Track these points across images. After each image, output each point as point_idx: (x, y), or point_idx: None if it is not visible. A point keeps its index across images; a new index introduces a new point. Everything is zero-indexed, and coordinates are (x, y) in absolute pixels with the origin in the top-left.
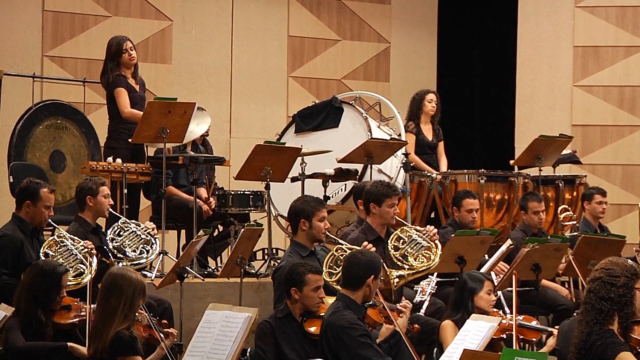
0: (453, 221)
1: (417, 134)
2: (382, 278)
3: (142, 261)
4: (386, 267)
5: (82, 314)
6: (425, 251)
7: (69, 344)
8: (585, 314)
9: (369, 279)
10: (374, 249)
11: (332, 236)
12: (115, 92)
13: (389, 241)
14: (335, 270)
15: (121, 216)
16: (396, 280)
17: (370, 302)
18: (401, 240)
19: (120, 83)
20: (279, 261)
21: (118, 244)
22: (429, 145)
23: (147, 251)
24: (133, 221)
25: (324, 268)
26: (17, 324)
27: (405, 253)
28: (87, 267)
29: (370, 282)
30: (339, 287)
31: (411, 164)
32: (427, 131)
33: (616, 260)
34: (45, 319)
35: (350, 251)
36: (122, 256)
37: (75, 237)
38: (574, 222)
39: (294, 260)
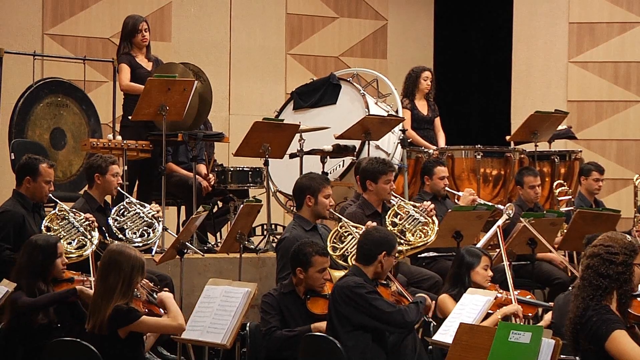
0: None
1: (411, 109)
2: (396, 256)
3: (140, 244)
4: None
5: (86, 286)
6: (423, 227)
7: (78, 287)
8: (582, 289)
9: (381, 255)
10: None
11: (336, 213)
12: (118, 67)
13: (386, 217)
14: (339, 245)
15: (129, 196)
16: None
17: (384, 282)
18: (398, 216)
19: (123, 59)
20: (282, 233)
21: (120, 224)
22: (424, 120)
23: (148, 234)
24: (138, 202)
25: (328, 243)
26: (22, 294)
27: (403, 229)
28: (89, 240)
29: (382, 258)
30: (341, 262)
31: (408, 140)
32: (422, 106)
33: (615, 235)
34: (47, 289)
35: (354, 228)
36: (123, 237)
37: (77, 211)
38: (570, 197)
39: (298, 233)
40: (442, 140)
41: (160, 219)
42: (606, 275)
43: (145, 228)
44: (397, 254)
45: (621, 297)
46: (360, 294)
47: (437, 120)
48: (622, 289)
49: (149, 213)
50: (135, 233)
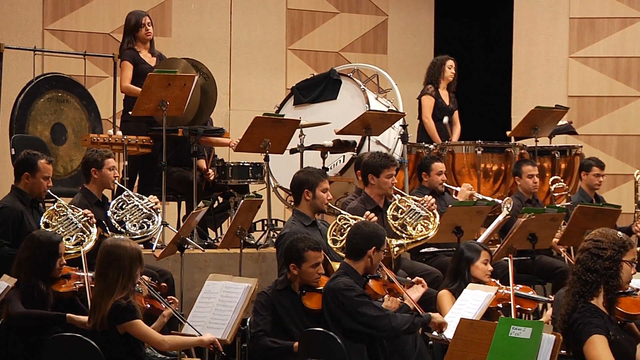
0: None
1: (436, 97)
2: (385, 250)
3: (141, 236)
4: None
5: (82, 282)
6: (424, 220)
7: (68, 314)
8: (572, 284)
9: (370, 250)
10: (375, 218)
11: (334, 207)
12: (120, 65)
13: (388, 210)
14: (339, 238)
15: (127, 189)
16: (396, 249)
17: (374, 274)
18: (400, 210)
19: (126, 56)
20: (281, 229)
21: (119, 217)
22: (446, 110)
23: (148, 226)
24: (136, 194)
25: (328, 236)
26: (17, 295)
27: (404, 222)
28: (87, 236)
29: (372, 253)
30: (341, 254)
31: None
32: (445, 97)
33: (605, 231)
34: (46, 289)
35: (353, 220)
36: (122, 230)
37: (75, 207)
38: (566, 193)
39: (297, 229)
40: (456, 135)
41: (159, 211)
42: (593, 270)
43: (144, 220)
44: (398, 248)
45: (607, 293)
46: (349, 297)
47: (456, 114)
48: (609, 284)
49: (147, 204)
50: (134, 225)
